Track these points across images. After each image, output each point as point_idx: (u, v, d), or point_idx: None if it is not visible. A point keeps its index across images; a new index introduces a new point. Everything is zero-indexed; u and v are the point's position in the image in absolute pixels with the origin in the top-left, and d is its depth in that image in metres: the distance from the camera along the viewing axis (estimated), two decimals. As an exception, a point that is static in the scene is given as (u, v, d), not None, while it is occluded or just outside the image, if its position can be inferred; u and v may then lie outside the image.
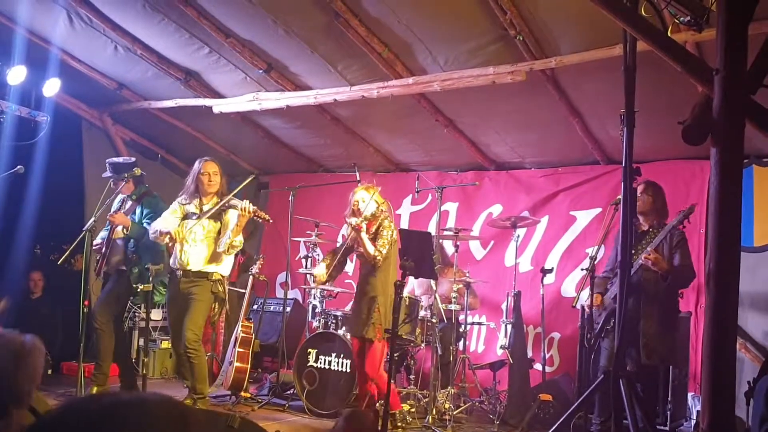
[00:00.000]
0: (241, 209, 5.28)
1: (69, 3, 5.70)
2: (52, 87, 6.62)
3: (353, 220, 5.19)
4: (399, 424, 5.29)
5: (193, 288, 5.38)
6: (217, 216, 5.43)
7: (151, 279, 5.44)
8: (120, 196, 5.98)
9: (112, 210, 5.89)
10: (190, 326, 5.31)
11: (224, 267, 5.50)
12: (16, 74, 6.23)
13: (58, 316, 7.17)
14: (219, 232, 5.44)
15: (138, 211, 5.87)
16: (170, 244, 5.55)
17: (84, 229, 5.51)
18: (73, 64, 6.74)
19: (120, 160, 6.12)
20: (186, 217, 5.50)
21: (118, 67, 6.85)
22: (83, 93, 7.56)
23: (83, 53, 6.69)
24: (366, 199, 5.27)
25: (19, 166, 5.96)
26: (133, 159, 6.27)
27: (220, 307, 5.61)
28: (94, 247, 5.73)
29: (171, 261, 5.56)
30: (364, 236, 5.16)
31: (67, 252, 5.59)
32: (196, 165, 5.60)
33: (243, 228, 5.41)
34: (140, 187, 5.96)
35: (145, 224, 5.75)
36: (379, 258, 5.13)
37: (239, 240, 5.42)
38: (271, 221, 5.54)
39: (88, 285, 5.48)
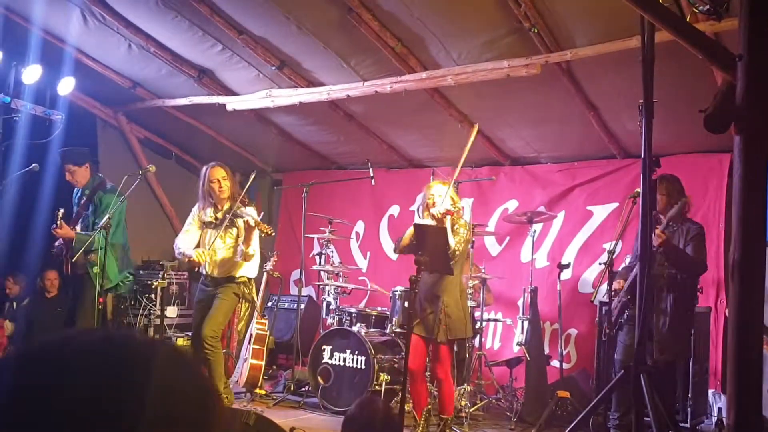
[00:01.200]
0: (245, 222, 5.20)
1: (83, 1, 5.71)
2: (66, 86, 6.63)
3: (437, 210, 4.83)
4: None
5: (219, 289, 5.44)
6: (232, 223, 5.42)
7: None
8: (76, 189, 5.94)
9: (75, 201, 5.90)
10: (210, 323, 5.33)
11: (250, 270, 5.52)
12: (31, 73, 6.25)
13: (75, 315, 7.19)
14: (237, 236, 5.43)
15: (90, 208, 5.76)
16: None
17: (98, 226, 5.50)
18: (88, 62, 6.76)
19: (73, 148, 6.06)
20: (204, 225, 5.52)
21: (132, 66, 6.86)
22: (98, 91, 7.58)
23: (97, 52, 6.70)
24: (443, 194, 4.99)
25: (33, 164, 5.97)
26: (86, 149, 6.20)
27: (248, 309, 5.62)
28: (53, 250, 5.76)
29: (201, 267, 5.55)
30: (448, 225, 4.82)
31: (81, 250, 5.59)
32: (203, 172, 5.53)
33: (251, 239, 5.28)
34: (95, 178, 5.83)
35: (96, 228, 5.67)
36: (457, 253, 4.83)
37: (253, 249, 5.31)
38: (273, 234, 5.42)
39: (103, 281, 5.47)
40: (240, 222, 5.34)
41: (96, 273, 5.66)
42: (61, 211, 5.69)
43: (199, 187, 5.55)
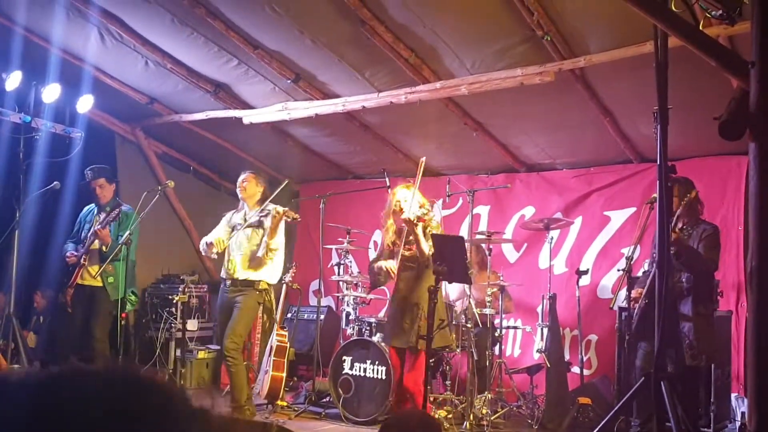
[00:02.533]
0: (274, 212, 5.49)
1: (100, 20, 5.79)
2: (85, 103, 6.73)
3: (408, 215, 4.85)
4: None
5: (239, 296, 5.58)
6: (259, 224, 5.66)
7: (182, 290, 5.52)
8: (91, 206, 6.06)
9: (82, 219, 6.03)
10: (231, 335, 5.47)
11: (270, 275, 5.70)
12: (51, 92, 6.35)
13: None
14: (263, 237, 5.64)
15: (113, 225, 5.89)
16: (212, 254, 5.80)
17: (119, 242, 5.58)
18: (106, 80, 6.85)
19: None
20: (233, 228, 5.77)
21: (149, 82, 6.94)
22: (116, 108, 7.68)
23: (115, 69, 6.79)
24: (408, 198, 5.02)
25: (55, 182, 6.06)
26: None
27: (269, 316, 5.71)
28: (66, 258, 5.84)
29: (221, 271, 5.81)
30: (420, 231, 4.84)
31: (104, 266, 5.67)
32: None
33: (276, 230, 5.56)
34: (115, 198, 6.02)
35: (120, 240, 5.80)
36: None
37: (276, 242, 5.58)
38: (299, 219, 5.81)
39: (124, 297, 5.54)
40: (267, 221, 5.59)
41: (110, 283, 5.77)
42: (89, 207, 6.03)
43: None
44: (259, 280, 5.61)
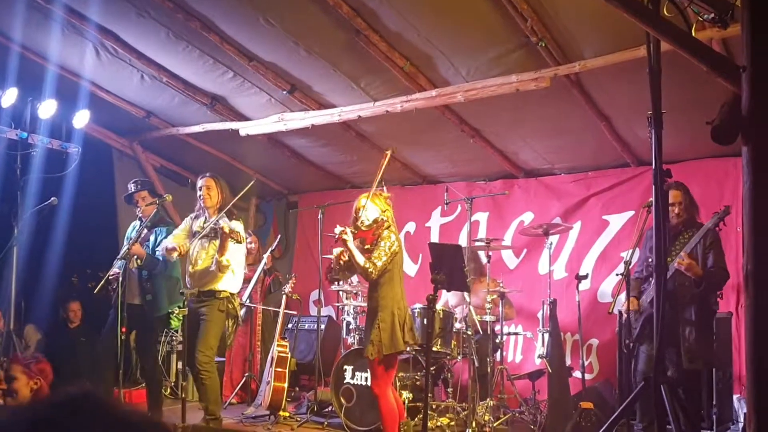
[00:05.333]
0: (220, 229, 5.22)
1: (95, 36, 5.82)
2: (81, 118, 6.74)
3: (337, 229, 4.74)
4: None
5: (202, 308, 5.45)
6: (214, 235, 5.44)
7: (185, 303, 5.47)
8: (135, 222, 6.05)
9: (128, 236, 5.98)
10: (201, 348, 5.36)
11: (231, 284, 5.53)
12: (47, 108, 6.36)
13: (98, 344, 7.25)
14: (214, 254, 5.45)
15: (151, 239, 5.88)
16: (173, 258, 5.61)
17: (118, 257, 5.58)
18: (102, 95, 6.87)
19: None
20: (192, 236, 5.56)
21: (145, 96, 6.96)
22: (112, 122, 7.70)
23: (111, 84, 6.81)
24: (367, 205, 4.86)
25: (53, 198, 6.06)
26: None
27: (234, 324, 5.66)
28: (110, 277, 5.81)
29: (183, 282, 5.67)
30: (352, 246, 4.68)
31: (103, 281, 5.66)
32: (197, 182, 5.71)
33: (225, 248, 5.31)
34: (156, 214, 5.96)
35: (158, 254, 5.78)
36: (371, 271, 4.61)
37: (226, 259, 5.32)
38: (242, 242, 5.41)
39: (124, 312, 5.53)
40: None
41: (148, 300, 5.76)
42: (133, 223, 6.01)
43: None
44: (221, 290, 5.43)
